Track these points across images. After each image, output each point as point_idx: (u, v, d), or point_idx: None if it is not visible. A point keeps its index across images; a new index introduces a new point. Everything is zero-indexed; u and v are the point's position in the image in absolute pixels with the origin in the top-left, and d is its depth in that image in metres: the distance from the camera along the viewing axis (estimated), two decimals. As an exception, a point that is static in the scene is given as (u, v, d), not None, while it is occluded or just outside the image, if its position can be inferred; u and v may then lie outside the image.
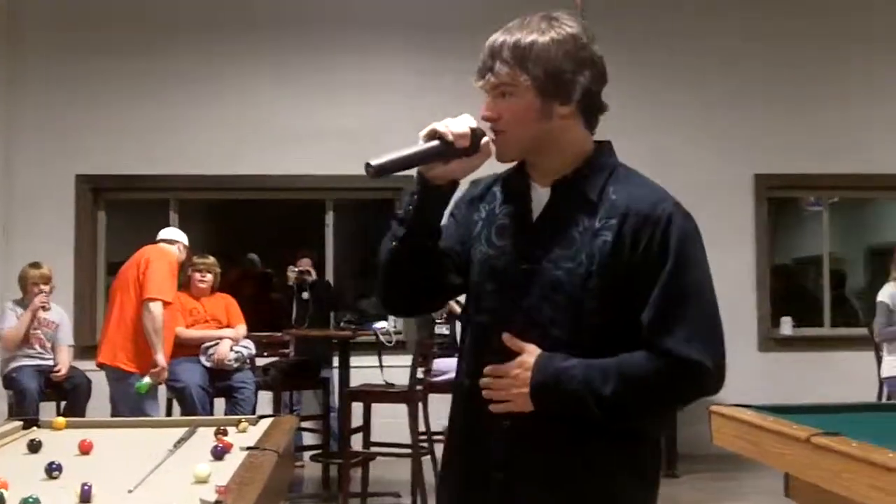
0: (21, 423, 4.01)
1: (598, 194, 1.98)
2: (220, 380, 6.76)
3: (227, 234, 11.02)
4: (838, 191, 9.48)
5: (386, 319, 7.38)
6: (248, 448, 3.12)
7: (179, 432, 3.67)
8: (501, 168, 2.12)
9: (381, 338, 6.98)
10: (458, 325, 7.96)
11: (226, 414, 6.30)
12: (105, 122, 8.44)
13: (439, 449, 6.80)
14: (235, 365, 6.79)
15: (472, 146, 1.97)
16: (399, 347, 7.33)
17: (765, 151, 8.75)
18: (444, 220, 2.13)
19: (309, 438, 8.03)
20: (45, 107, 8.43)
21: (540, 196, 2.04)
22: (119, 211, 8.82)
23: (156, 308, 6.03)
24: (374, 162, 1.93)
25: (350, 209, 9.47)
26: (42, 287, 7.08)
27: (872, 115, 9.06)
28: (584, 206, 1.98)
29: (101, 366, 6.21)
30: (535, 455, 1.97)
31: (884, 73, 9.13)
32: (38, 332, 7.06)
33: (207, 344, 6.77)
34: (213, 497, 2.29)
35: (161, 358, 6.05)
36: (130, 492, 2.59)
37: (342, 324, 7.60)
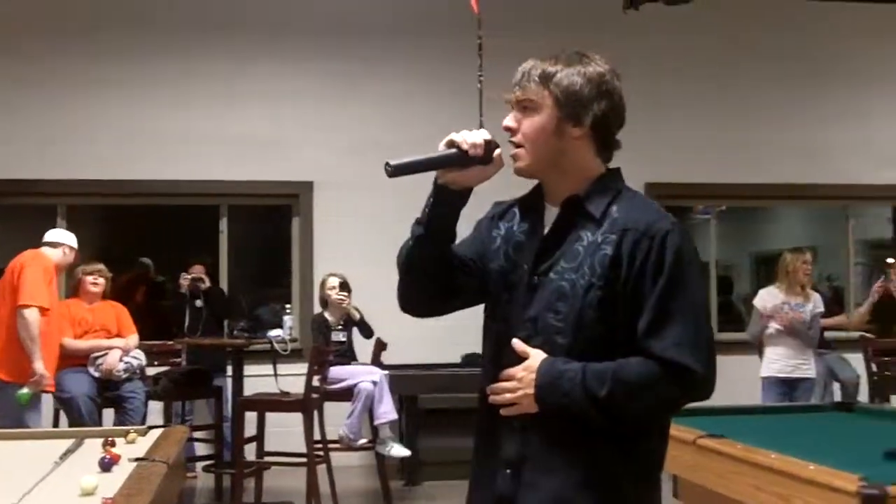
0: None
1: (602, 212, 2.15)
2: (109, 390, 6.62)
3: (119, 240, 10.80)
4: (726, 199, 9.75)
5: (282, 327, 7.31)
6: (137, 459, 3.07)
7: (66, 444, 3.59)
8: (518, 184, 2.27)
9: (276, 346, 6.93)
10: (356, 331, 7.99)
11: (115, 425, 6.17)
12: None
13: (335, 457, 6.84)
14: (125, 376, 6.66)
15: (485, 156, 2.13)
16: (295, 355, 7.29)
17: (656, 161, 8.93)
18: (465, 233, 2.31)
19: (202, 449, 7.91)
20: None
21: (552, 214, 2.21)
22: (9, 216, 8.59)
23: (30, 315, 5.80)
24: (393, 162, 2.08)
25: (245, 215, 9.38)
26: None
27: (759, 127, 9.34)
28: (588, 223, 2.15)
29: None
30: (543, 450, 2.11)
31: (769, 87, 9.41)
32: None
33: (96, 354, 6.62)
34: (98, 510, 2.24)
35: (39, 366, 5.79)
36: (12, 506, 2.52)
37: (236, 332, 7.52)
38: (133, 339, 6.89)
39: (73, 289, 7.05)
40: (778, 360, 7.40)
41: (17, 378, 5.83)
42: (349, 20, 8.84)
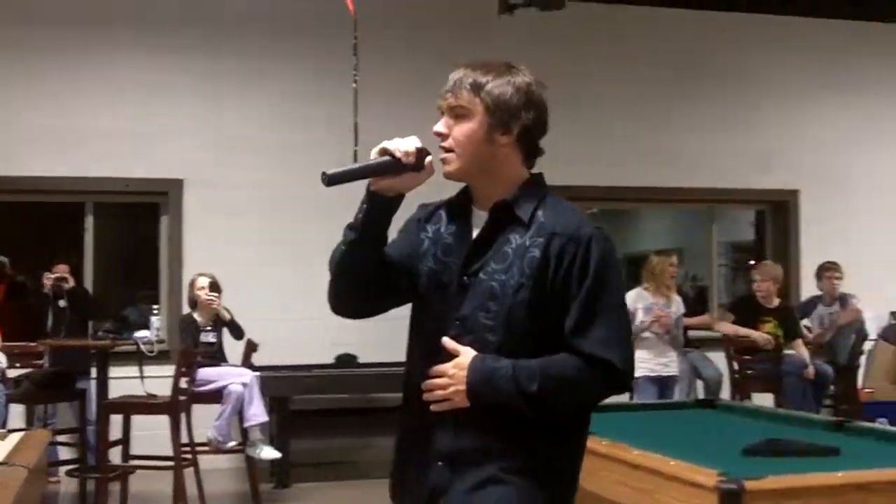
0: None
1: (530, 216, 2.27)
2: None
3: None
4: (596, 202, 9.94)
5: (149, 328, 7.16)
6: (-5, 464, 2.97)
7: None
8: (448, 188, 2.34)
9: (143, 347, 6.81)
10: (226, 332, 7.90)
11: (-28, 428, 5.95)
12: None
13: (203, 460, 6.75)
14: (-18, 377, 6.44)
15: (417, 163, 2.23)
16: (162, 357, 7.15)
17: (563, 161, 9.06)
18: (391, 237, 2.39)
19: (65, 453, 7.69)
20: None
21: (480, 218, 2.32)
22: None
23: None
24: (329, 171, 2.17)
25: (112, 214, 9.15)
26: None
27: (627, 130, 9.55)
28: (517, 226, 2.27)
29: None
30: (478, 442, 2.21)
31: (640, 91, 9.64)
32: None
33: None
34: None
35: None
36: None
37: (101, 333, 7.34)
38: (-7, 340, 6.66)
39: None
40: (649, 360, 7.59)
41: None
42: (225, 14, 8.72)
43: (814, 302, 9.15)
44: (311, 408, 7.83)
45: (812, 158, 10.07)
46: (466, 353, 2.21)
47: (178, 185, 8.54)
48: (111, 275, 9.36)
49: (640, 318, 7.60)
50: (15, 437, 3.67)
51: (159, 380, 6.57)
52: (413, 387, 2.31)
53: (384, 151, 2.23)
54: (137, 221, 9.50)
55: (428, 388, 2.23)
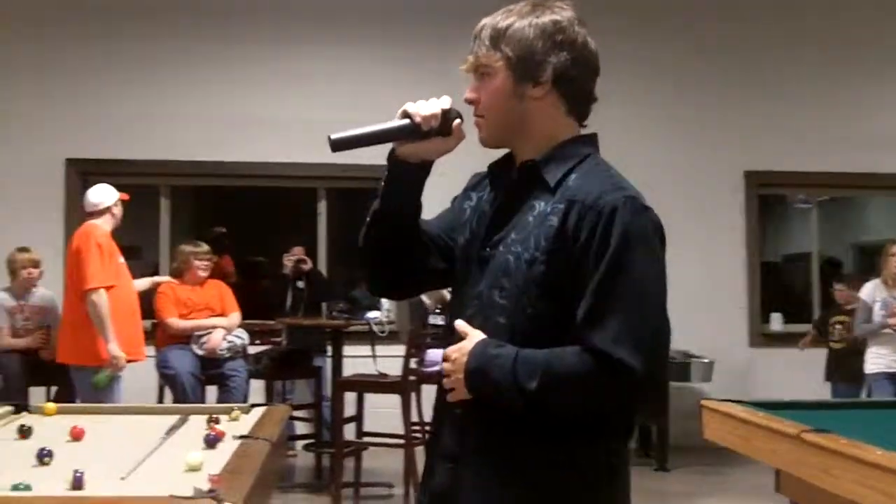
0: (11, 407, 3.99)
1: (559, 181, 1.95)
2: (212, 368, 6.74)
3: (216, 220, 10.98)
4: (827, 189, 9.49)
5: (379, 309, 7.35)
6: (241, 437, 3.10)
7: (171, 420, 3.65)
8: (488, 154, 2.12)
9: (374, 328, 6.97)
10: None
11: (218, 402, 6.28)
12: (94, 108, 8.38)
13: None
14: (227, 354, 6.77)
15: (443, 128, 1.99)
16: (392, 337, 7.32)
17: (755, 149, 8.76)
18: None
19: (301, 428, 8.01)
20: (35, 93, 8.37)
21: None
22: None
23: (98, 298, 5.66)
24: (333, 136, 1.96)
25: (342, 197, 9.45)
26: (31, 271, 7.04)
27: (860, 115, 9.06)
28: (543, 192, 1.96)
29: (60, 364, 6.06)
30: (479, 450, 1.95)
31: (878, 75, 9.12)
32: (27, 319, 7.04)
33: (199, 333, 6.75)
34: (206, 486, 2.27)
35: (113, 347, 5.67)
36: (123, 479, 2.57)
37: (335, 313, 7.58)
38: (235, 317, 6.99)
39: (178, 270, 7.16)
40: (885, 356, 7.17)
41: (87, 361, 5.75)
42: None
43: None
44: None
45: None
46: (472, 338, 1.92)
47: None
48: (342, 257, 9.67)
49: (877, 312, 7.17)
50: (257, 412, 3.82)
51: (390, 359, 6.73)
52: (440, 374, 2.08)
53: (405, 114, 1.98)
54: (367, 205, 9.75)
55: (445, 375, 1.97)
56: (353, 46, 8.76)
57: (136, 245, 8.56)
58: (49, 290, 7.26)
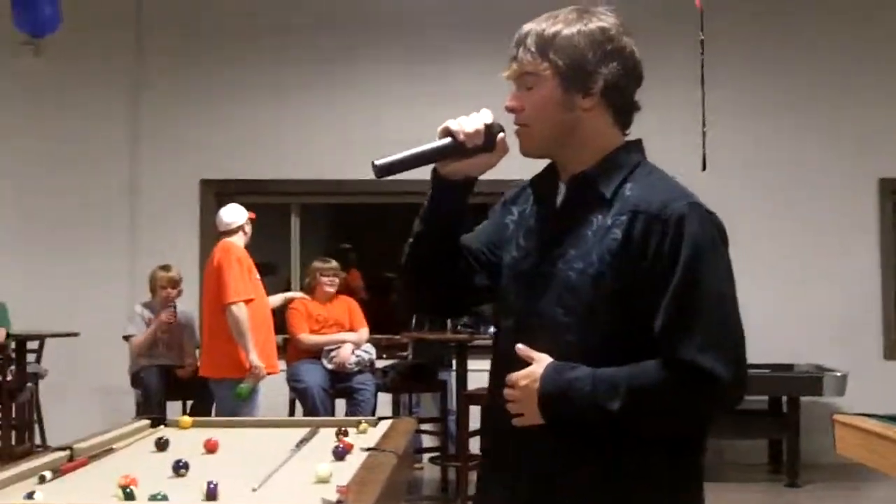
0: (149, 421, 4.15)
1: (614, 192, 1.91)
2: (341, 381, 6.87)
3: (345, 237, 11.16)
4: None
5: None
6: (369, 449, 3.16)
7: (301, 432, 3.74)
8: (531, 167, 2.07)
9: (499, 341, 6.98)
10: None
11: (346, 415, 6.39)
12: (228, 129, 8.61)
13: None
14: (356, 368, 6.90)
15: (486, 143, 1.95)
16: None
17: (890, 153, 8.48)
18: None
19: (427, 441, 8.08)
20: (171, 114, 8.63)
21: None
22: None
23: (238, 311, 5.83)
24: (378, 162, 1.93)
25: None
26: (170, 291, 7.27)
27: None
28: (598, 204, 1.91)
29: (200, 377, 6.25)
30: (552, 467, 1.90)
31: None
32: (165, 336, 7.26)
33: (329, 347, 6.89)
34: (334, 497, 2.33)
35: (254, 357, 5.82)
36: (254, 490, 2.65)
37: (459, 327, 7.63)
38: (364, 332, 7.11)
39: (308, 286, 7.33)
40: None
41: (226, 373, 5.92)
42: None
43: None
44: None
45: None
46: (541, 361, 1.86)
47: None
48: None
49: None
50: (385, 425, 3.88)
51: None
52: (492, 396, 2.02)
53: (446, 132, 1.94)
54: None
55: (506, 400, 1.91)
56: (488, 60, 8.78)
57: (270, 262, 8.75)
58: (184, 305, 7.50)
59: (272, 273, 9.20)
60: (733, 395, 1.83)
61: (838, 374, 7.38)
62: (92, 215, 8.51)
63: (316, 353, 6.90)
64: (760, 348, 7.99)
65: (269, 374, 6.05)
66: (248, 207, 6.35)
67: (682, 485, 1.94)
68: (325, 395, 6.70)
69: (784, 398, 7.63)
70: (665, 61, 7.96)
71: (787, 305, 8.20)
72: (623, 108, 1.96)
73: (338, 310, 7.19)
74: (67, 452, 3.25)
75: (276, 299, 6.93)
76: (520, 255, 2.00)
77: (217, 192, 8.64)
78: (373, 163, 1.94)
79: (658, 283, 1.81)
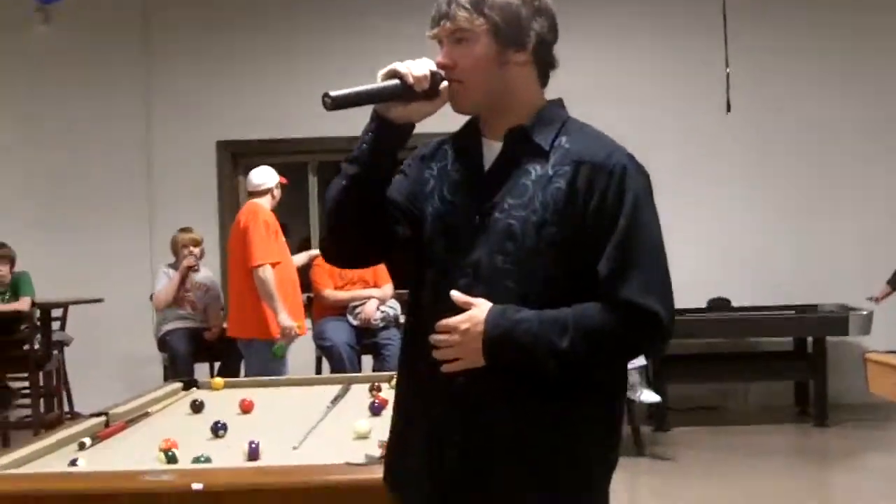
0: (181, 384, 4.18)
1: (551, 143, 1.96)
2: (367, 337, 6.88)
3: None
4: None
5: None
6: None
7: (334, 390, 3.76)
8: (453, 122, 2.09)
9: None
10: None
11: (373, 371, 6.41)
12: (242, 90, 8.55)
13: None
14: (381, 324, 6.90)
15: (431, 89, 1.95)
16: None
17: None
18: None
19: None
20: (184, 77, 8.56)
21: (492, 150, 2.01)
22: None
23: (264, 273, 5.80)
24: (332, 93, 1.91)
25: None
26: (192, 249, 7.28)
27: None
28: (536, 155, 1.95)
29: (231, 338, 6.25)
30: (495, 415, 1.91)
31: None
32: (190, 294, 7.27)
33: (355, 303, 6.90)
34: (377, 452, 2.34)
35: (284, 317, 5.80)
36: (295, 448, 2.67)
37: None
38: (388, 288, 7.10)
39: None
40: None
41: (255, 333, 5.90)
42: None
43: None
44: (685, 352, 7.74)
45: None
46: (482, 306, 1.88)
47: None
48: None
49: None
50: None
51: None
52: (414, 350, 2.02)
53: (393, 74, 1.93)
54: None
55: (436, 346, 1.90)
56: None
57: (282, 222, 8.80)
58: (207, 268, 7.51)
59: (286, 234, 9.20)
60: (668, 333, 1.91)
61: (864, 312, 7.35)
62: (110, 183, 8.47)
63: (341, 309, 6.90)
64: (784, 291, 8.01)
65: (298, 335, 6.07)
66: (270, 168, 6.30)
67: (615, 425, 2.02)
68: (351, 351, 6.71)
69: (809, 339, 7.62)
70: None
71: (811, 245, 8.15)
72: (547, 64, 2.02)
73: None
74: (104, 418, 3.28)
75: (300, 258, 6.92)
76: (445, 208, 2.01)
77: (233, 153, 8.63)
78: (326, 94, 1.91)
79: (602, 230, 1.88)
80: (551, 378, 1.87)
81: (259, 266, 5.82)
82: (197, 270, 7.29)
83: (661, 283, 1.91)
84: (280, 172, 6.33)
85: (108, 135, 8.51)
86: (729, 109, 4.81)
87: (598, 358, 1.90)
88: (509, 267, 1.90)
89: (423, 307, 2.01)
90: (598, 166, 1.90)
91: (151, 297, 7.36)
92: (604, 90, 7.83)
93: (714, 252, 8.10)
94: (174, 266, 7.31)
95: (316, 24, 8.61)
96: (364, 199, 1.99)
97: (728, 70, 4.88)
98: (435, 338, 1.89)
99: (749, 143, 8.21)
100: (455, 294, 1.90)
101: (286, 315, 5.83)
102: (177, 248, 7.33)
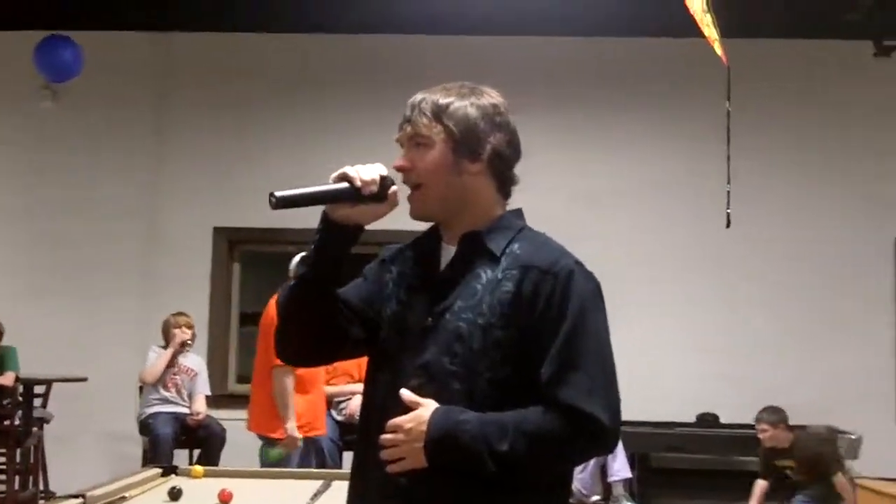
0: (160, 469, 4.12)
1: (503, 249, 2.02)
2: (351, 433, 6.80)
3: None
4: None
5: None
6: None
7: (315, 484, 3.72)
8: (413, 222, 2.14)
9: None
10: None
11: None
12: (241, 177, 8.58)
13: None
14: (366, 420, 6.83)
15: (379, 193, 2.00)
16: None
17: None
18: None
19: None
20: (189, 159, 8.65)
21: (450, 254, 2.08)
22: (253, 263, 8.93)
23: (282, 374, 5.47)
24: (278, 193, 1.96)
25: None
26: (184, 329, 7.25)
27: None
28: (488, 260, 2.01)
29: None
30: None
31: None
32: (177, 378, 7.22)
33: (339, 399, 6.84)
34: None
35: (292, 427, 5.53)
36: (273, 543, 2.62)
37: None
38: (374, 384, 7.05)
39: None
40: None
41: (264, 432, 5.67)
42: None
43: None
44: (672, 466, 7.66)
45: None
46: (427, 406, 1.91)
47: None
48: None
49: None
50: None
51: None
52: (365, 448, 2.03)
53: (343, 177, 2.00)
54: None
55: (382, 445, 1.93)
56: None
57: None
58: (196, 355, 7.47)
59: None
60: (612, 439, 1.94)
61: (853, 436, 7.29)
62: (104, 262, 8.48)
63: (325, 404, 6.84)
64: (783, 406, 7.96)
65: (316, 435, 5.89)
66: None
67: None
68: (334, 447, 6.63)
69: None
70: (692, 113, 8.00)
71: (804, 365, 8.13)
72: (506, 177, 2.09)
73: (347, 361, 7.09)
74: (80, 500, 3.22)
75: None
76: (401, 310, 2.06)
77: (230, 240, 8.64)
78: (272, 194, 1.97)
79: (546, 333, 1.93)
80: (492, 479, 1.88)
81: (279, 366, 5.42)
82: (190, 345, 7.23)
83: (605, 387, 1.93)
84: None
85: (106, 215, 8.54)
86: (728, 225, 4.84)
87: (539, 461, 1.92)
88: (456, 368, 1.94)
89: (376, 407, 2.03)
90: (545, 271, 1.96)
91: (139, 376, 7.29)
92: (618, 196, 7.93)
93: (706, 366, 8.06)
94: (165, 348, 7.26)
95: (315, 111, 8.70)
96: (312, 300, 2.04)
97: (728, 187, 4.94)
98: (382, 437, 1.92)
99: (747, 262, 8.24)
100: (404, 393, 1.93)
101: (293, 424, 5.54)
102: (168, 330, 7.30)
